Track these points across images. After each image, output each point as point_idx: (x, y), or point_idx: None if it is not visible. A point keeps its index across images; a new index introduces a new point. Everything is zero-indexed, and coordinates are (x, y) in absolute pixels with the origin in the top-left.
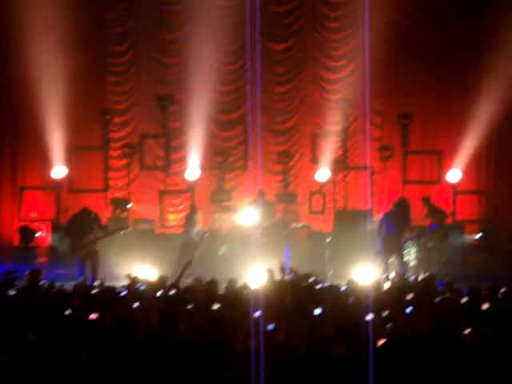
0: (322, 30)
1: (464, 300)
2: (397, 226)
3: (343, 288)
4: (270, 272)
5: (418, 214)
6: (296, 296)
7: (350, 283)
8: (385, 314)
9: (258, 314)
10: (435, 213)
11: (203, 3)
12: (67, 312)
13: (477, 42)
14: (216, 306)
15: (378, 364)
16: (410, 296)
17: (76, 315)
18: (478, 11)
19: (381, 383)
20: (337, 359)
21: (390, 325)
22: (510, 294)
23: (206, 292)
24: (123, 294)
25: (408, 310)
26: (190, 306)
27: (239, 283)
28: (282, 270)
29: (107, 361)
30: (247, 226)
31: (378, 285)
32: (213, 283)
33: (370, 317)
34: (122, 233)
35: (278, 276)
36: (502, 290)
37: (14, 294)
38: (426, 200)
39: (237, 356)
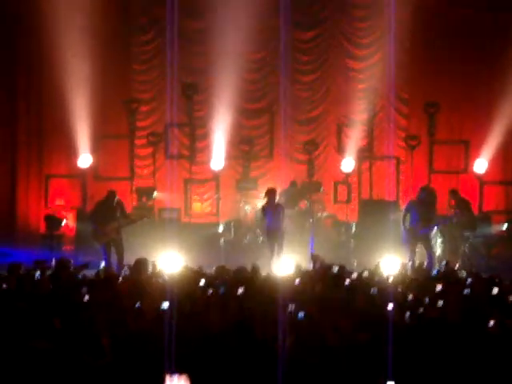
0: (349, 19)
1: (494, 292)
2: (422, 214)
3: (367, 277)
4: (298, 265)
5: (444, 205)
6: (325, 286)
7: (374, 273)
8: (412, 301)
9: (289, 304)
10: (461, 205)
11: None
12: (86, 297)
13: (505, 27)
14: (241, 291)
15: (404, 348)
16: (439, 286)
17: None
18: None
19: (404, 368)
20: (361, 347)
21: (420, 310)
22: None
23: (234, 279)
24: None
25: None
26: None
27: (264, 272)
28: (313, 258)
29: (132, 348)
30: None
31: (404, 274)
32: (241, 270)
33: (390, 306)
34: (145, 220)
35: (306, 266)
36: None
37: (41, 280)
38: (454, 192)
39: (263, 343)
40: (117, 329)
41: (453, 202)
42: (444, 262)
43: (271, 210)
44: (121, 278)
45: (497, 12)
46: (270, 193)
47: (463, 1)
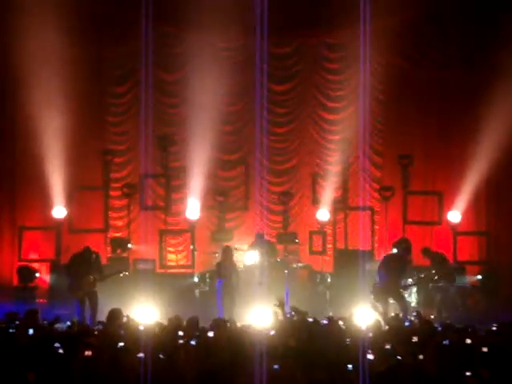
0: (323, 72)
1: (468, 342)
2: (396, 267)
3: (342, 328)
4: (276, 313)
5: (419, 257)
6: (300, 337)
7: (348, 324)
8: (387, 351)
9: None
10: (437, 262)
11: (204, 45)
12: (60, 351)
13: (475, 82)
14: (211, 334)
15: None
16: (414, 338)
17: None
18: (476, 52)
19: None
20: None
21: (395, 361)
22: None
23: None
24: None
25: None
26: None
27: (240, 323)
28: (281, 305)
29: None
30: (248, 265)
31: (378, 325)
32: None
33: (370, 356)
34: (121, 275)
35: (279, 314)
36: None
37: (13, 333)
38: (427, 251)
39: None
40: (92, 382)
41: (428, 262)
42: (414, 313)
43: (227, 266)
44: (95, 332)
45: (467, 69)
46: (226, 251)
47: (430, 64)
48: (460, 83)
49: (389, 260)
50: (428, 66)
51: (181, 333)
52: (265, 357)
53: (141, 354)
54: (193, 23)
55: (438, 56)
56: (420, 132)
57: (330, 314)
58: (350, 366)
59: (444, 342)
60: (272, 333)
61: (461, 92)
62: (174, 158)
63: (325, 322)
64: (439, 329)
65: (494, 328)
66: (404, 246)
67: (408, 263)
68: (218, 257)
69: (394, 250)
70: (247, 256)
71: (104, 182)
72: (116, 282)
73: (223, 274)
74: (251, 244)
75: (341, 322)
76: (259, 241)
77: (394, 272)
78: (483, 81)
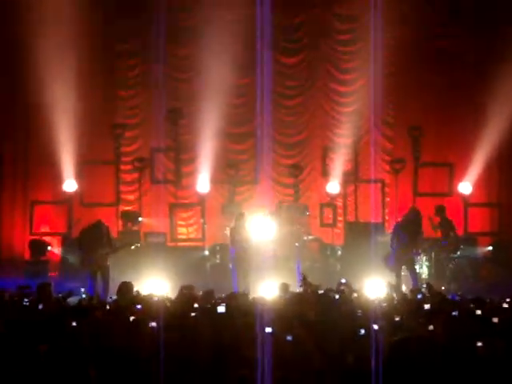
0: (333, 43)
1: (478, 312)
2: (408, 237)
3: (354, 300)
4: (285, 286)
5: (429, 227)
6: (315, 309)
7: (359, 296)
8: (398, 323)
9: (269, 327)
10: (446, 225)
11: (214, 18)
12: (74, 323)
13: (487, 53)
14: (221, 309)
15: (392, 370)
16: (426, 306)
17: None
18: (488, 22)
19: None
20: (348, 369)
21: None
22: None
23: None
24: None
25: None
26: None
27: (251, 295)
28: (305, 280)
29: (116, 375)
30: (260, 237)
31: (390, 297)
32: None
33: (376, 326)
34: (132, 247)
35: (294, 289)
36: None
37: (26, 306)
38: (441, 210)
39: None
40: (104, 358)
41: (437, 219)
42: (424, 285)
43: (241, 232)
44: (107, 306)
45: (478, 40)
46: (241, 217)
47: (445, 31)
48: (472, 54)
49: (400, 229)
50: (439, 36)
51: (196, 305)
52: (277, 328)
53: (153, 324)
54: None
55: (450, 27)
56: (431, 103)
57: (343, 280)
58: (362, 331)
59: (454, 313)
60: (284, 305)
61: (472, 63)
62: (184, 131)
63: (337, 294)
64: (450, 300)
65: (508, 299)
66: (414, 214)
67: (419, 232)
68: (230, 225)
69: (405, 219)
70: (264, 225)
71: (115, 156)
72: (127, 255)
73: (236, 240)
74: (269, 213)
75: (355, 295)
76: (279, 209)
77: (405, 241)
78: (495, 51)
